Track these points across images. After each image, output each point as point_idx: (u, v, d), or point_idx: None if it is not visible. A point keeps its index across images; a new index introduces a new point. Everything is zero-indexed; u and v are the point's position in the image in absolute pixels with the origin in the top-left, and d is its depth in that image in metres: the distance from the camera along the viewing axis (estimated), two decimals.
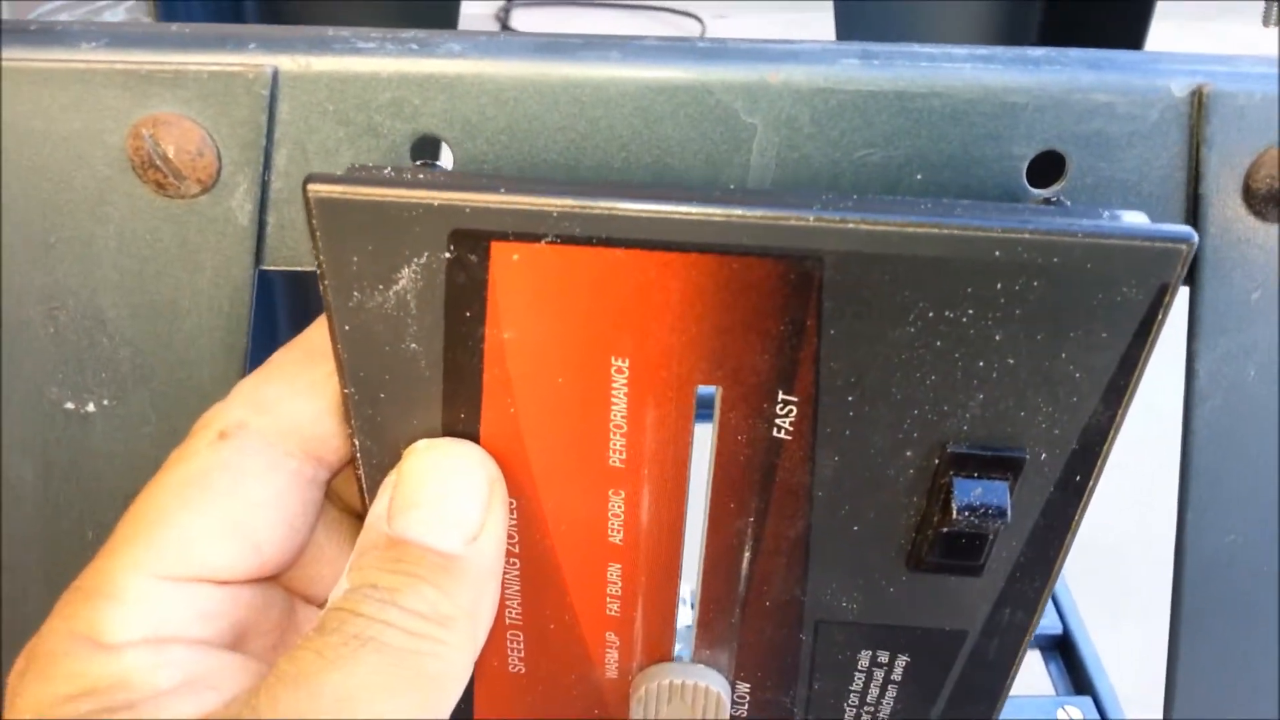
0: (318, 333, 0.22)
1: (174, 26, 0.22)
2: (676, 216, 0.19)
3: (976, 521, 0.22)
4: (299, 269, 0.24)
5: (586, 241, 0.20)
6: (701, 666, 0.26)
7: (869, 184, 0.23)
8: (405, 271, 0.20)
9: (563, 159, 0.23)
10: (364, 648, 0.19)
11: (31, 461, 0.25)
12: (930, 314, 0.20)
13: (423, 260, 0.20)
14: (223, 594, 0.21)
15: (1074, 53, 0.23)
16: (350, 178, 0.20)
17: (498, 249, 0.20)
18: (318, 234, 0.20)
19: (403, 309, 0.20)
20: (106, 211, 0.23)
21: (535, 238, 0.20)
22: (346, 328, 0.21)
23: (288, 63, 0.22)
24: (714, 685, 0.26)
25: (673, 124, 0.23)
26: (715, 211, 0.19)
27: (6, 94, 0.22)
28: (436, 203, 0.19)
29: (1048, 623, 0.58)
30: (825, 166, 0.23)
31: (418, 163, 0.22)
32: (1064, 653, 0.58)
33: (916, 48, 0.23)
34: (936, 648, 0.25)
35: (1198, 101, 0.23)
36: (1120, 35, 0.47)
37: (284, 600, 0.24)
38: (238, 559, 0.21)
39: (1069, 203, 0.23)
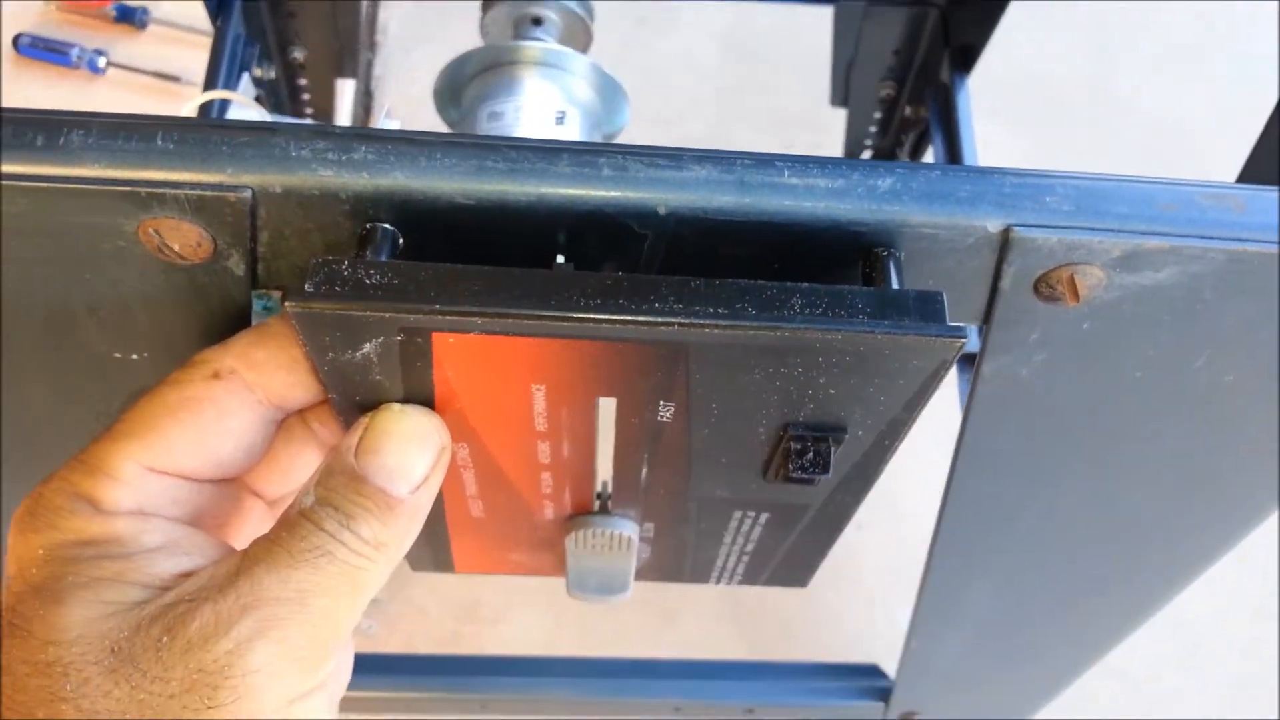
0: None
1: (159, 136, 0.26)
2: (573, 320, 0.26)
3: (805, 471, 0.30)
4: (284, 286, 0.30)
5: (507, 333, 0.26)
6: (616, 516, 0.37)
7: (734, 269, 0.29)
8: (367, 346, 0.27)
9: (489, 248, 0.28)
10: (322, 558, 0.26)
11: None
12: (770, 369, 0.27)
13: (380, 340, 0.27)
14: (190, 487, 0.29)
15: (918, 182, 0.28)
16: (318, 294, 0.25)
17: (437, 335, 0.27)
18: (296, 328, 0.26)
19: (368, 362, 0.28)
20: (130, 263, 0.29)
21: (464, 331, 0.26)
22: (325, 369, 0.28)
23: (260, 182, 0.27)
24: (625, 530, 0.37)
25: (581, 227, 0.28)
26: (598, 317, 0.25)
27: (29, 205, 0.27)
28: (387, 315, 0.26)
29: None
30: (701, 256, 0.29)
31: (370, 255, 0.27)
32: None
33: (785, 177, 0.27)
34: (788, 512, 0.36)
35: (1005, 237, 0.28)
36: None
37: (234, 493, 0.31)
38: (204, 467, 0.29)
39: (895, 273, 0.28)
